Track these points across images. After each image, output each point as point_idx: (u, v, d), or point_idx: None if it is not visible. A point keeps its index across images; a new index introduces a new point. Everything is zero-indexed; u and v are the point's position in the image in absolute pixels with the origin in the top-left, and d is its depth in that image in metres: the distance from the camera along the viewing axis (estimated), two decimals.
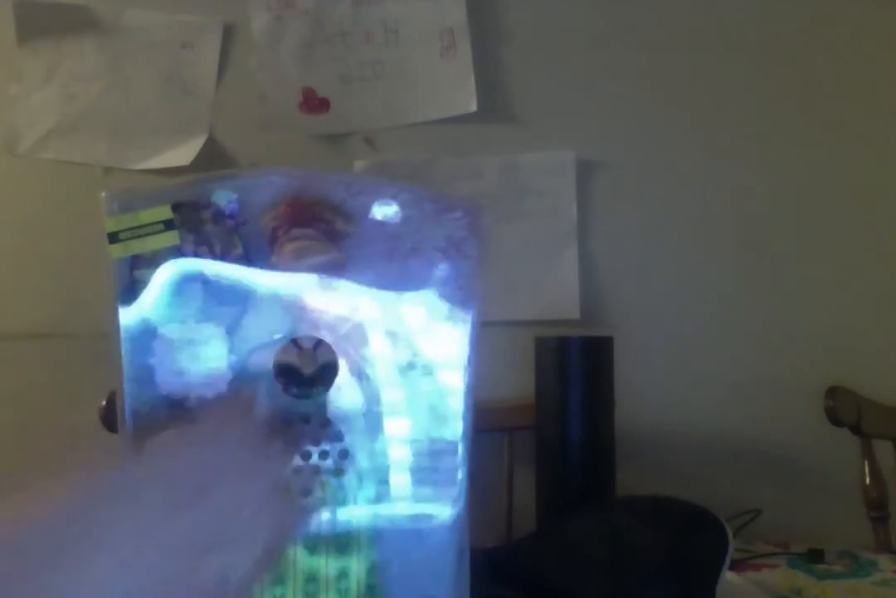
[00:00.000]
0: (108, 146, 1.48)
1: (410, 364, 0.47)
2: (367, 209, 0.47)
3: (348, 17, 1.41)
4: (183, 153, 1.45)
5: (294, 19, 1.42)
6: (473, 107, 1.39)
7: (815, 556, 1.00)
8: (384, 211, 0.48)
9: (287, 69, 1.43)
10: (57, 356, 1.47)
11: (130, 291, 0.46)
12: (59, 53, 1.47)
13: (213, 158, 1.44)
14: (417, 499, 0.47)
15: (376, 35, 1.41)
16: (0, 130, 1.49)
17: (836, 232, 1.34)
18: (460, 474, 0.47)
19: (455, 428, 0.48)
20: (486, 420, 1.26)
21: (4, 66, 1.49)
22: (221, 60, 1.46)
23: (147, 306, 0.45)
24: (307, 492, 0.46)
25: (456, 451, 0.47)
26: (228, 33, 1.46)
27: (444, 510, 0.47)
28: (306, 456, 0.46)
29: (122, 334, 0.46)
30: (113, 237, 0.45)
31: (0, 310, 1.50)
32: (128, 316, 0.45)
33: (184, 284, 0.46)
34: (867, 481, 1.21)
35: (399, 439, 0.47)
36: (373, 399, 0.47)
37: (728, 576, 0.80)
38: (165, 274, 0.46)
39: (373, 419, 0.47)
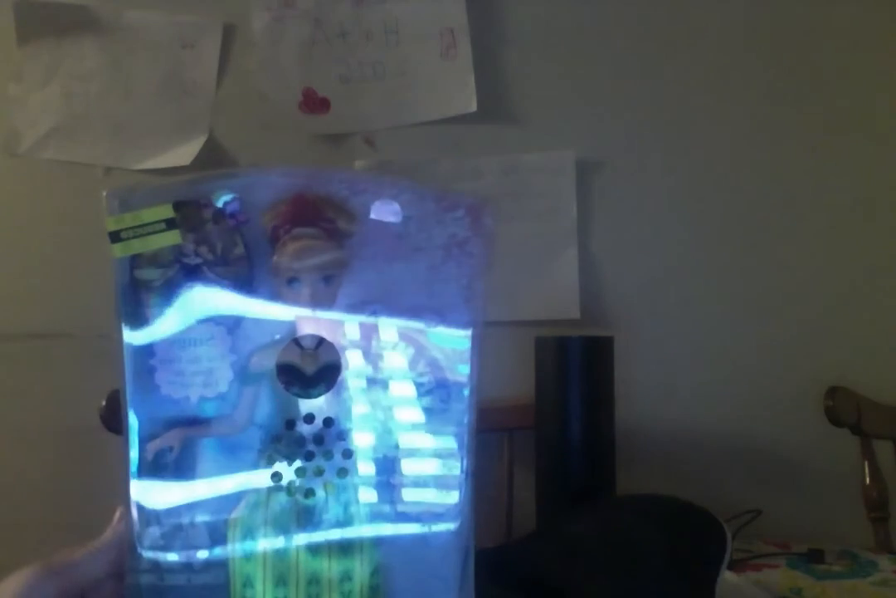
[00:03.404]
0: (108, 146, 1.48)
1: (412, 366, 0.47)
2: (370, 208, 0.47)
3: (348, 17, 1.41)
4: (183, 153, 1.45)
5: (294, 19, 1.42)
6: (473, 107, 1.39)
7: (815, 556, 1.00)
8: (386, 210, 0.47)
9: (287, 69, 1.43)
10: (57, 356, 1.47)
11: (131, 292, 0.45)
12: (59, 53, 1.47)
13: (213, 158, 1.44)
14: (421, 504, 0.47)
15: (376, 35, 1.41)
16: (0, 130, 1.49)
17: (836, 232, 1.34)
18: (464, 479, 0.47)
19: (458, 430, 0.47)
20: (486, 420, 1.26)
21: (4, 66, 1.49)
22: (221, 60, 1.46)
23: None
24: (310, 492, 0.46)
25: (460, 454, 0.47)
26: (228, 33, 1.46)
27: (448, 515, 0.47)
28: (309, 456, 0.46)
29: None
30: (114, 236, 0.45)
31: (0, 310, 1.50)
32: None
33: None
34: (867, 481, 1.21)
35: (402, 440, 0.47)
36: (376, 401, 0.47)
37: (728, 576, 0.80)
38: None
39: (376, 421, 0.47)
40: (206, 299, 0.46)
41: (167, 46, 1.46)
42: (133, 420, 0.45)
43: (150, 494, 0.45)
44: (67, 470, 1.46)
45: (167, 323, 0.45)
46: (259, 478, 0.45)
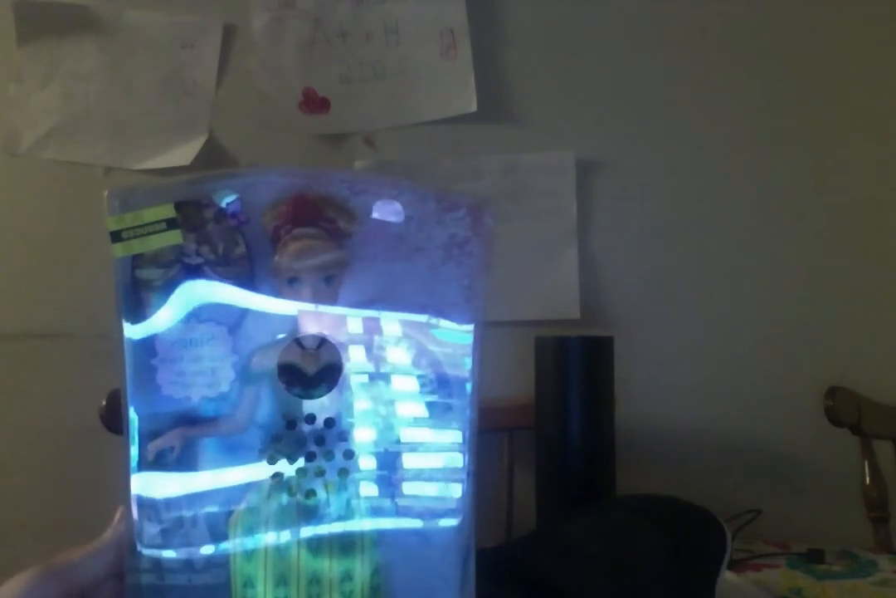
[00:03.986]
0: (108, 146, 1.48)
1: (414, 362, 0.47)
2: (370, 208, 0.47)
3: (348, 17, 1.41)
4: (183, 153, 1.45)
5: (294, 19, 1.42)
6: (473, 107, 1.39)
7: (815, 556, 1.00)
8: (388, 210, 0.47)
9: (287, 69, 1.43)
10: (57, 356, 1.47)
11: (132, 292, 0.45)
12: (59, 53, 1.47)
13: (213, 158, 1.44)
14: (422, 501, 0.47)
15: (376, 35, 1.41)
16: (0, 130, 1.49)
17: (836, 232, 1.34)
18: (466, 476, 0.47)
19: (460, 427, 0.47)
20: (486, 420, 1.26)
21: (4, 66, 1.49)
22: (221, 60, 1.46)
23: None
24: (311, 493, 0.45)
25: (462, 451, 0.47)
26: (228, 33, 1.46)
27: (449, 513, 0.47)
28: (310, 457, 0.46)
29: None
30: (115, 236, 0.45)
31: (0, 310, 1.50)
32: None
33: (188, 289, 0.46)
34: (867, 481, 1.21)
35: (404, 437, 0.47)
36: (378, 398, 0.47)
37: (727, 576, 0.80)
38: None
39: (378, 418, 0.47)
40: (208, 299, 0.46)
41: (167, 46, 1.46)
42: (134, 420, 0.45)
43: (150, 493, 0.45)
44: (67, 470, 1.46)
45: (168, 323, 0.45)
46: (260, 478, 0.45)
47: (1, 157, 1.50)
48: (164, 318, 0.45)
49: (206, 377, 0.45)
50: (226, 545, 0.45)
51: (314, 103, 1.43)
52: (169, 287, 0.45)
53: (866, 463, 1.22)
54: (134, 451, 0.45)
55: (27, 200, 1.51)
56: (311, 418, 0.45)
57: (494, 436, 1.31)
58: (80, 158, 1.48)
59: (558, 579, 0.73)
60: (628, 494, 0.98)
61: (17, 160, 1.50)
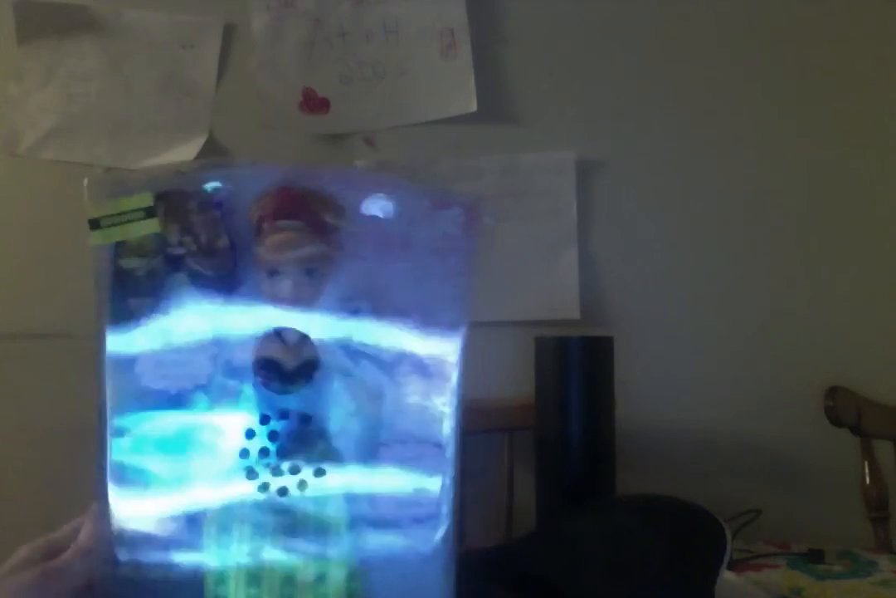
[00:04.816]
0: (108, 146, 1.48)
1: (396, 364, 0.47)
2: (359, 204, 0.47)
3: (348, 17, 1.41)
4: (183, 153, 1.45)
5: (294, 19, 1.42)
6: (473, 107, 1.39)
7: (815, 556, 0.99)
8: (377, 206, 0.47)
9: (287, 69, 1.43)
10: (57, 356, 1.47)
11: (115, 282, 0.45)
12: (59, 53, 1.47)
13: (212, 158, 1.44)
14: (402, 503, 0.46)
15: (376, 35, 1.41)
16: (0, 130, 1.49)
17: (836, 232, 1.34)
18: (450, 483, 0.46)
19: (444, 432, 0.47)
20: (486, 420, 1.26)
21: (4, 66, 1.49)
22: (221, 60, 1.46)
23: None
24: (284, 491, 0.45)
25: (446, 457, 0.47)
26: (228, 33, 1.46)
27: (429, 516, 0.46)
28: (286, 454, 0.45)
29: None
30: (94, 224, 0.45)
31: (0, 310, 1.50)
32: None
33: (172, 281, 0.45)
34: (867, 481, 1.21)
35: (384, 439, 0.46)
36: (356, 399, 0.46)
37: (727, 576, 0.80)
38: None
39: (357, 419, 0.46)
40: (190, 291, 0.46)
41: (167, 46, 1.46)
42: (110, 411, 0.45)
43: (125, 490, 0.45)
44: (67, 470, 1.46)
45: (149, 314, 0.45)
46: (235, 476, 0.45)
47: (1, 157, 1.50)
48: (146, 308, 0.45)
49: (186, 369, 0.45)
50: (200, 542, 0.45)
51: (314, 103, 1.43)
52: (150, 278, 0.45)
53: (866, 463, 1.22)
54: (108, 439, 0.45)
55: (27, 200, 1.51)
56: (287, 415, 0.45)
57: (494, 436, 1.30)
58: (80, 158, 1.48)
59: (558, 579, 0.73)
60: (628, 494, 0.98)
61: (17, 160, 1.50)
